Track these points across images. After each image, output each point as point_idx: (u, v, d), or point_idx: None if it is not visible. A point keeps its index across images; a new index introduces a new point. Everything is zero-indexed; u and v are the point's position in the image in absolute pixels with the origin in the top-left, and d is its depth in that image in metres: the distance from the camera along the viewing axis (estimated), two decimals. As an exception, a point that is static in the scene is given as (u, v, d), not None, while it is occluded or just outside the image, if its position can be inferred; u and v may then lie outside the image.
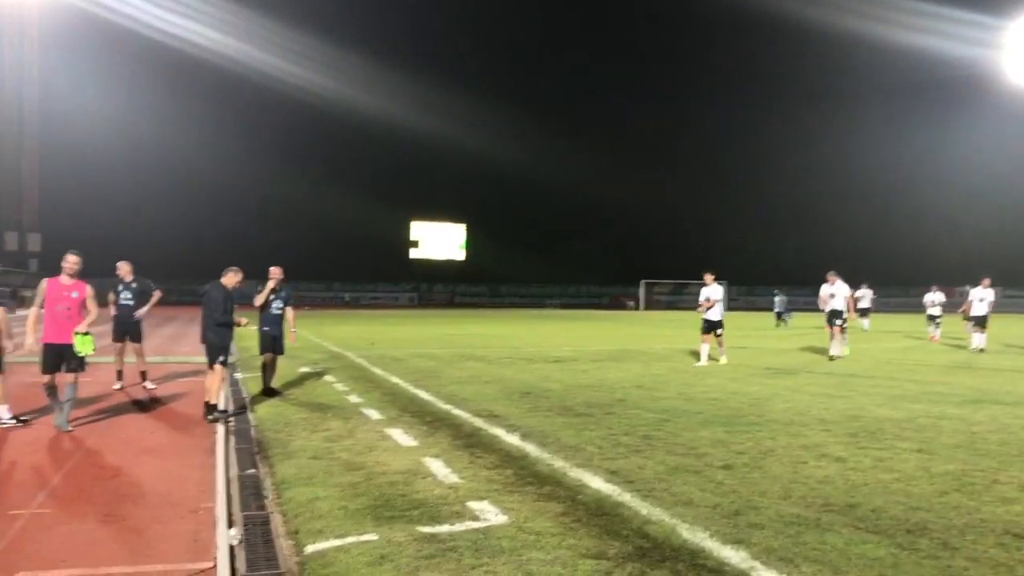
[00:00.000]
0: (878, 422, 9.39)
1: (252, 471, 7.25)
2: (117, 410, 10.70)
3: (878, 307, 37.39)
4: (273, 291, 12.03)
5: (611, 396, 11.62)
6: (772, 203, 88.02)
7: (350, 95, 78.39)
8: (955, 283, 49.49)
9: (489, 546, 4.87)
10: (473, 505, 5.74)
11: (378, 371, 15.11)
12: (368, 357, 18.11)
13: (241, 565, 4.83)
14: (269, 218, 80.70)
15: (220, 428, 9.23)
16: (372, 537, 5.07)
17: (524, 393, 11.89)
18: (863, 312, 32.57)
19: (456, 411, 10.09)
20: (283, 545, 5.13)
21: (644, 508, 5.64)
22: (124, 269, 13.44)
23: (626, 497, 5.92)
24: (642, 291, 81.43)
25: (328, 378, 13.91)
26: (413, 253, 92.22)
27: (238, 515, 5.85)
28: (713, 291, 16.97)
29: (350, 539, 5.06)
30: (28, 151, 69.05)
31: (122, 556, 4.93)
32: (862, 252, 75.71)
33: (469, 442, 8.06)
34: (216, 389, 10.07)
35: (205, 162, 76.19)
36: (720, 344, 17.22)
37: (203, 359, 18.06)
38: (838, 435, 8.54)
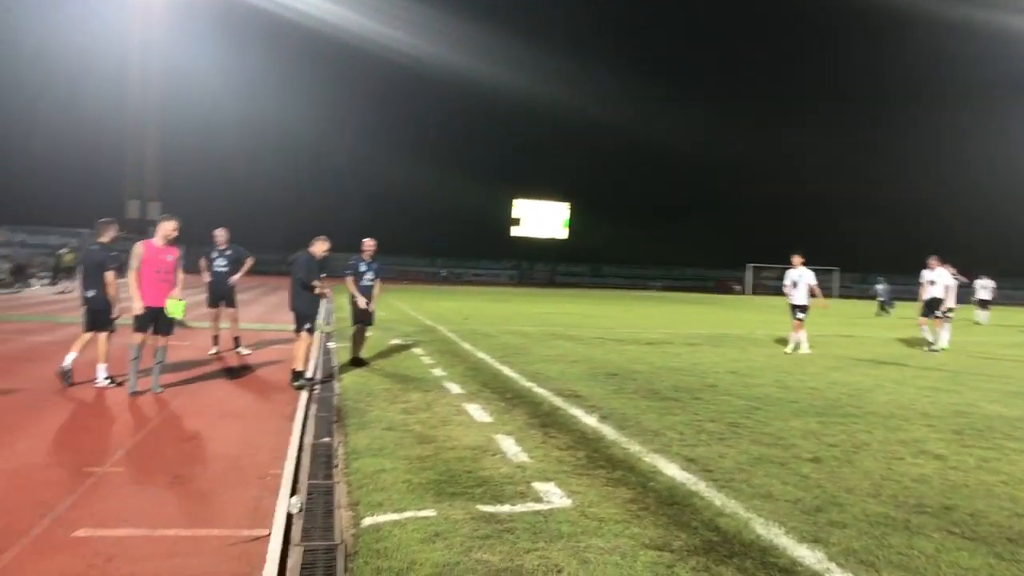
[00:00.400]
0: (987, 419, 8.73)
1: (326, 439, 7.24)
2: (208, 375, 10.93)
3: (1002, 299, 35.36)
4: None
5: (701, 381, 11.21)
6: (893, 191, 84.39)
7: (461, 71, 78.73)
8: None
9: (548, 530, 4.66)
10: (538, 486, 5.54)
11: (466, 346, 15.06)
12: (459, 332, 18.11)
13: (297, 534, 4.77)
14: (375, 193, 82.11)
15: (304, 395, 9.31)
16: (430, 513, 4.93)
17: (610, 374, 11.60)
18: (983, 304, 30.83)
19: (537, 389, 9.90)
20: (342, 516, 5.05)
21: (718, 499, 5.32)
22: (221, 236, 13.73)
23: (701, 487, 5.61)
24: (749, 275, 79.47)
25: (416, 351, 13.93)
26: (515, 231, 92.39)
27: (304, 483, 5.82)
28: (803, 274, 16.09)
29: (408, 513, 4.93)
30: (151, 124, 72.18)
31: (181, 519, 4.93)
32: (988, 240, 71.84)
33: (545, 421, 7.85)
34: (302, 356, 10.16)
35: (314, 136, 78.14)
36: (798, 329, 16.06)
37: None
38: (941, 431, 7.95)
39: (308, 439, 7.26)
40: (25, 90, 66.27)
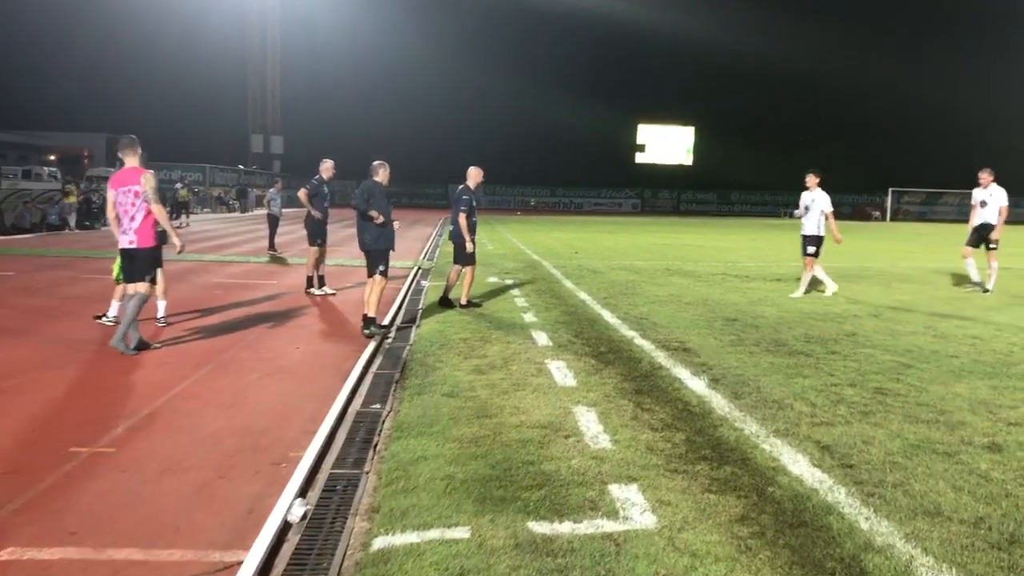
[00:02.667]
0: None
1: (376, 406, 6.08)
2: (277, 319, 9.98)
3: None
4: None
5: (838, 328, 9.48)
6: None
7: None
8: None
9: (615, 571, 3.30)
10: (616, 491, 4.17)
11: (568, 284, 13.67)
12: (565, 268, 16.72)
13: (284, 561, 3.59)
14: (495, 123, 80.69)
15: (371, 346, 8.20)
16: (462, 535, 3.65)
17: (729, 320, 10.00)
18: None
19: (639, 340, 8.45)
20: (354, 530, 3.84)
21: (864, 518, 3.82)
22: (329, 168, 12.70)
23: (839, 495, 4.11)
24: (889, 200, 74.34)
25: (513, 291, 12.66)
26: (639, 158, 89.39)
27: (326, 473, 4.67)
28: (817, 197, 12.66)
29: (433, 533, 3.67)
30: (271, 59, 72.80)
31: (142, 533, 3.82)
32: None
33: (640, 386, 6.42)
34: (375, 301, 9.03)
35: (433, 68, 77.06)
36: (809, 267, 12.76)
37: (402, 264, 17.61)
38: None
39: (355, 406, 6.13)
40: (146, 26, 67.65)
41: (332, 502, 4.26)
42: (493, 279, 14.41)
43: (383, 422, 5.61)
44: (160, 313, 9.39)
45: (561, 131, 79.79)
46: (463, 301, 10.95)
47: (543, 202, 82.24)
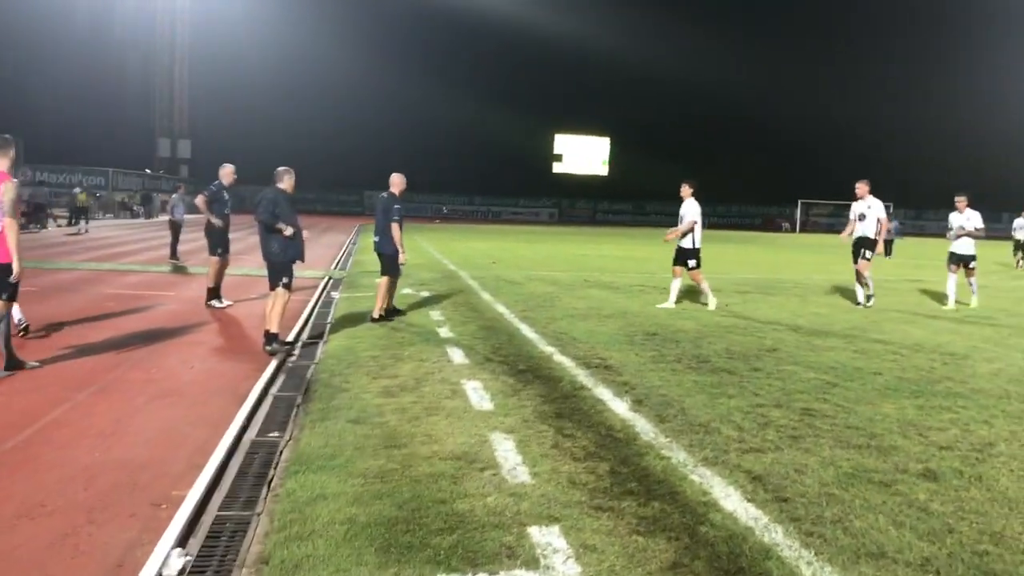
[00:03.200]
0: None
1: (275, 435, 5.55)
2: (173, 334, 9.28)
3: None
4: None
5: (759, 343, 9.32)
6: (944, 122, 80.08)
7: (501, 5, 75.69)
8: None
9: (537, 639, 2.90)
10: (536, 534, 3.76)
11: (486, 296, 13.27)
12: (482, 279, 16.31)
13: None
14: (412, 131, 79.88)
15: (273, 365, 7.64)
16: (360, 594, 3.20)
17: (649, 334, 9.75)
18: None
19: (559, 357, 8.09)
20: (235, 587, 3.35)
21: (805, 562, 3.51)
22: (229, 173, 12.05)
23: (777, 535, 3.79)
24: (798, 211, 76.38)
25: (429, 303, 12.18)
26: (556, 167, 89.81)
27: (212, 515, 4.15)
28: (687, 209, 12.53)
29: (326, 593, 3.20)
30: (179, 61, 70.57)
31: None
32: None
33: (561, 408, 6.05)
34: (278, 316, 8.46)
35: (347, 72, 75.81)
36: (697, 280, 12.62)
37: (311, 274, 16.94)
38: (1088, 424, 6.02)
39: (251, 434, 5.59)
40: (50, 25, 64.77)
41: (216, 552, 3.74)
42: (408, 291, 13.90)
43: (280, 453, 5.09)
44: (17, 316, 8.34)
45: (479, 139, 79.55)
46: (380, 312, 10.54)
47: (459, 211, 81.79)
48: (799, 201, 76.18)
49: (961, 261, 13.55)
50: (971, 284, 13.68)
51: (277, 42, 73.94)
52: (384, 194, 10.64)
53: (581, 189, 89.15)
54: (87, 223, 33.03)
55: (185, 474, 4.66)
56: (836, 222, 79.39)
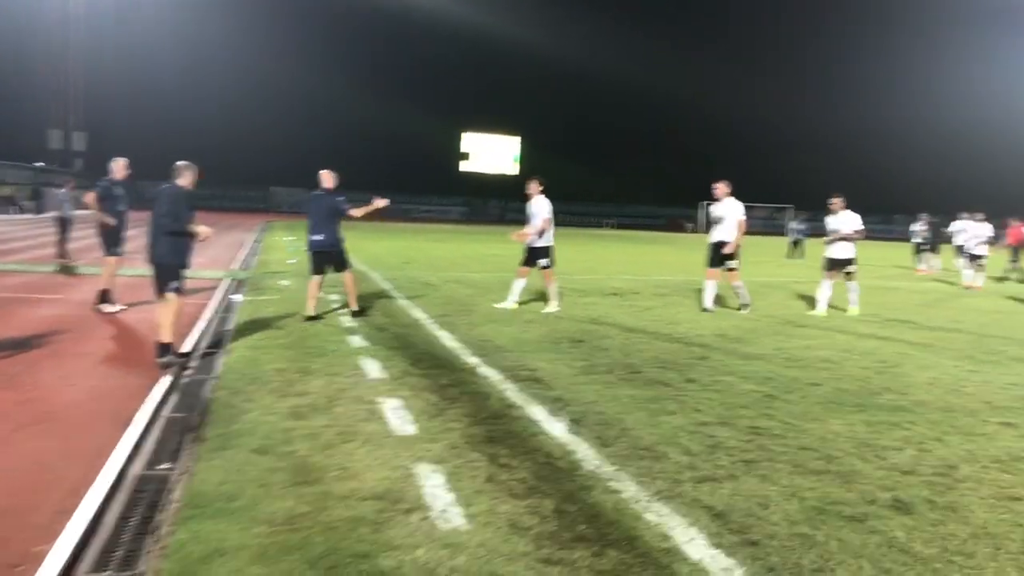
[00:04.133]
0: (1081, 414, 6.58)
1: (165, 467, 4.82)
2: (53, 345, 8.32)
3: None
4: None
5: (687, 350, 8.94)
6: (847, 126, 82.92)
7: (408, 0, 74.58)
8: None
9: None
10: (478, 598, 3.18)
11: (401, 301, 12.59)
12: (396, 280, 15.60)
13: None
14: (318, 126, 78.01)
15: (165, 381, 6.83)
16: None
17: (575, 341, 9.27)
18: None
19: (484, 369, 7.51)
20: None
21: (795, 626, 3.03)
22: (122, 167, 11.06)
23: (755, 590, 3.30)
24: (702, 212, 77.68)
25: (339, 308, 11.43)
26: (463, 166, 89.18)
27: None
28: (538, 207, 11.76)
29: None
30: (74, 48, 67.07)
31: None
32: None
33: (493, 432, 5.46)
34: (170, 324, 7.62)
35: (251, 66, 73.58)
36: (548, 281, 12.00)
37: (212, 274, 15.92)
38: (1038, 438, 5.78)
39: (136, 468, 4.83)
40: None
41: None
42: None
43: (170, 492, 4.37)
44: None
45: (387, 136, 78.26)
46: (355, 307, 10.75)
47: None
48: (703, 203, 77.45)
49: (837, 266, 12.68)
50: (850, 289, 12.85)
51: (178, 33, 71.15)
52: (319, 191, 10.58)
53: (492, 188, 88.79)
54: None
55: (51, 524, 3.91)
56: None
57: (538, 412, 5.98)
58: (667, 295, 14.92)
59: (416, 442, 5.18)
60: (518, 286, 12.06)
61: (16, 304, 11.00)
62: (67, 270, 15.49)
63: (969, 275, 19.45)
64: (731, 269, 12.37)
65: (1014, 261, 23.07)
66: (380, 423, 5.60)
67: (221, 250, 23.93)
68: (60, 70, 66.45)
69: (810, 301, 13.84)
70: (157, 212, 7.62)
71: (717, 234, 12.40)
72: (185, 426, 5.65)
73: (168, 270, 7.66)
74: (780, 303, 14.24)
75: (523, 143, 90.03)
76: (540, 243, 11.72)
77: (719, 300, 12.88)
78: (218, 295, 12.73)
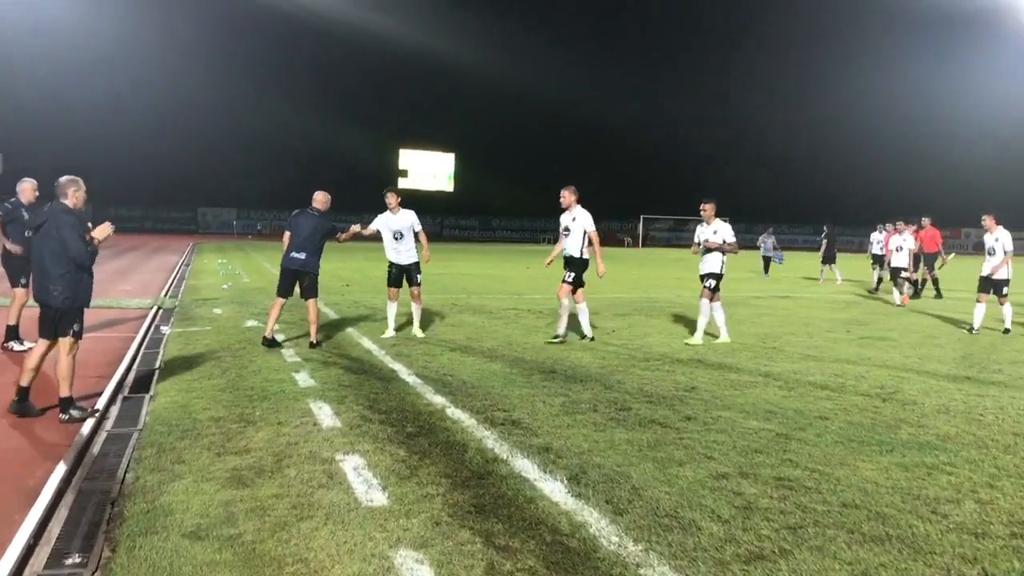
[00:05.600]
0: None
1: (73, 562, 3.80)
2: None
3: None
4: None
5: (672, 380, 8.14)
6: (775, 138, 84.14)
7: (337, 12, 73.16)
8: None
9: None
10: None
11: (348, 329, 11.57)
12: (338, 305, 14.56)
13: None
14: (251, 144, 76.00)
15: (80, 438, 5.73)
16: None
17: (547, 372, 8.40)
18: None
19: (453, 411, 6.58)
20: None
21: None
22: (29, 190, 9.82)
23: None
24: (641, 226, 77.90)
25: (279, 337, 10.36)
26: (402, 183, 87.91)
27: None
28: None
29: None
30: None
31: None
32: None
33: (480, 498, 4.53)
34: (68, 374, 6.41)
35: (179, 82, 71.37)
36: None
37: (138, 303, 14.64)
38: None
39: (37, 563, 3.81)
40: None
41: None
42: (252, 323, 12.01)
43: (78, 600, 3.36)
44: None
45: (322, 154, 76.47)
46: (315, 339, 9.89)
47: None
48: (641, 216, 77.69)
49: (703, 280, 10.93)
50: (714, 311, 10.90)
51: (98, 48, 68.52)
52: (310, 210, 10.16)
53: (428, 205, 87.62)
54: None
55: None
56: (673, 236, 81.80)
57: (527, 467, 5.07)
58: (628, 315, 14.18)
59: (390, 516, 4.23)
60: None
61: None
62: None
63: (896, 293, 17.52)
64: (568, 282, 10.57)
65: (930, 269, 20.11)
66: (342, 490, 4.64)
67: (148, 275, 22.52)
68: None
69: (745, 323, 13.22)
70: (45, 241, 6.38)
71: (565, 247, 10.70)
72: (101, 501, 4.61)
73: (67, 313, 6.45)
74: (750, 320, 13.60)
75: (458, 159, 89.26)
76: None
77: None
78: (144, 327, 11.52)
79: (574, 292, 10.65)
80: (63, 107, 67.73)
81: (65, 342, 6.42)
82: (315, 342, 9.80)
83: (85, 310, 6.64)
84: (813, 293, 20.59)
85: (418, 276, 11.05)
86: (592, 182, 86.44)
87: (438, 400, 6.97)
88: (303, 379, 7.84)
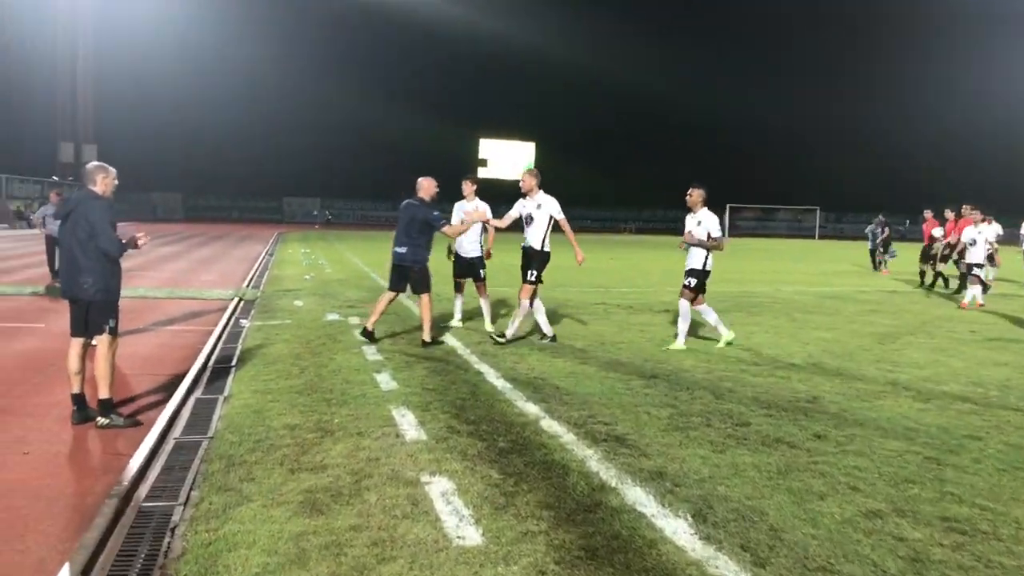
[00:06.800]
0: None
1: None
2: (16, 394, 6.79)
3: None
4: None
5: (789, 387, 7.32)
6: (868, 125, 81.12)
7: (420, 6, 73.22)
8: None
9: None
10: None
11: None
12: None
13: None
14: (334, 135, 76.77)
15: (144, 448, 5.25)
16: None
17: (648, 377, 7.66)
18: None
19: (549, 424, 5.90)
20: None
21: None
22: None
23: None
24: (728, 216, 75.94)
25: (358, 333, 9.87)
26: (482, 172, 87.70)
27: None
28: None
29: None
30: (83, 59, 66.13)
31: None
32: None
33: (592, 538, 3.83)
34: (107, 374, 5.95)
35: (265, 75, 72.54)
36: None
37: (219, 294, 14.42)
38: None
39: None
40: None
41: None
42: (333, 316, 11.59)
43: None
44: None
45: (404, 144, 76.82)
46: (427, 338, 9.17)
47: (382, 216, 78.90)
48: (727, 206, 75.73)
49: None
50: (703, 314, 9.61)
51: (190, 42, 70.11)
52: (412, 200, 9.55)
53: (507, 194, 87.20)
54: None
55: None
56: (759, 226, 79.65)
57: (642, 498, 4.37)
58: (726, 311, 13.20)
59: (485, 561, 3.58)
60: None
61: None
62: (56, 292, 13.99)
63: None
64: (531, 281, 9.39)
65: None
66: (429, 522, 4.01)
67: (232, 264, 22.51)
68: (70, 81, 65.51)
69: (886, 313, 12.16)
70: (75, 230, 5.89)
71: (527, 236, 9.56)
72: (160, 525, 4.10)
73: (100, 306, 5.99)
74: (862, 318, 12.57)
75: (538, 148, 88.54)
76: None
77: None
78: (224, 319, 11.19)
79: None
80: (154, 100, 69.46)
81: (101, 339, 5.98)
82: (426, 340, 9.17)
83: (118, 305, 6.18)
84: (913, 287, 19.22)
85: (481, 271, 10.45)
86: (674, 172, 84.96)
87: (531, 409, 6.31)
88: (385, 381, 7.28)
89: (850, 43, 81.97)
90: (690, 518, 4.08)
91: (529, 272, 9.36)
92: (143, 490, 4.59)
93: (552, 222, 9.48)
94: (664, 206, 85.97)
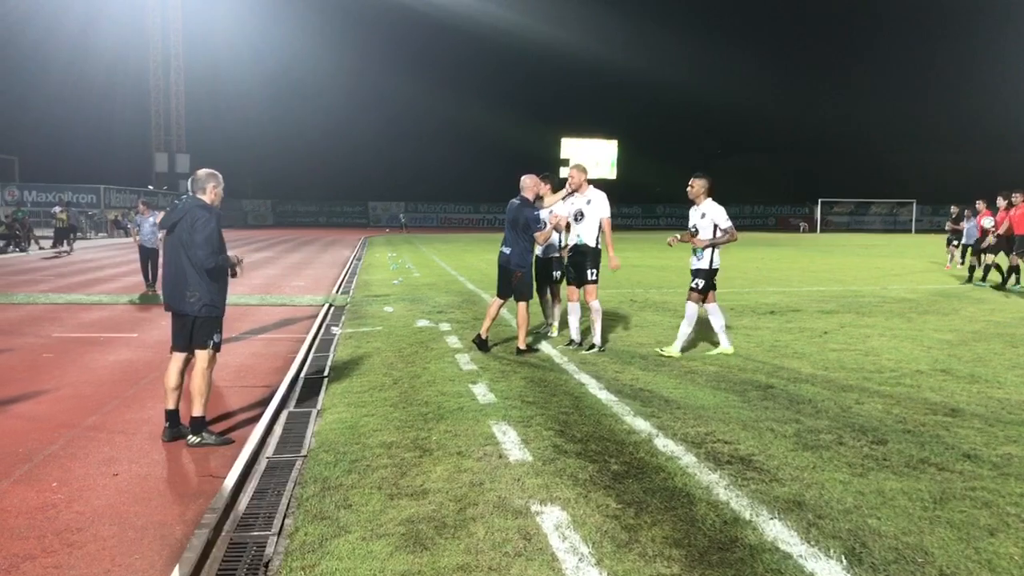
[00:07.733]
0: None
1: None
2: (107, 409, 6.66)
3: None
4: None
5: (921, 398, 6.66)
6: (957, 120, 77.71)
7: (500, 10, 73.24)
8: None
9: None
10: None
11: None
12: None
13: None
14: (416, 138, 77.39)
15: (235, 471, 4.98)
16: None
17: (762, 387, 7.10)
18: None
19: (663, 442, 5.42)
20: None
21: None
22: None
23: None
24: (819, 211, 73.65)
25: (452, 342, 9.56)
26: (563, 172, 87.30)
27: None
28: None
29: None
30: (175, 73, 68.17)
31: None
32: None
33: (730, 584, 3.39)
34: (203, 391, 5.72)
35: (351, 82, 73.58)
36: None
37: (311, 300, 14.33)
38: None
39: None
40: (38, 42, 62.63)
41: None
42: (424, 322, 11.30)
43: None
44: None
45: (488, 146, 77.05)
46: (522, 346, 8.79)
47: (466, 219, 79.15)
48: (819, 200, 73.50)
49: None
50: (710, 315, 8.89)
51: (276, 51, 71.68)
52: (516, 199, 8.98)
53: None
54: (71, 244, 30.54)
55: None
56: (852, 220, 77.02)
57: (782, 534, 3.87)
58: (835, 312, 12.51)
59: (614, 612, 3.15)
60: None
61: (83, 348, 9.49)
62: (152, 300, 14.12)
63: None
64: (593, 281, 8.88)
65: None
66: (545, 562, 3.59)
67: (322, 270, 22.59)
68: (163, 94, 67.62)
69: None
70: (182, 241, 5.63)
71: (575, 234, 9.04)
72: (254, 561, 3.79)
73: (206, 321, 5.75)
74: (979, 317, 11.68)
75: (620, 147, 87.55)
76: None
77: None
78: (315, 326, 11.03)
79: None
80: (242, 110, 71.10)
81: (203, 355, 5.74)
82: (521, 348, 8.76)
83: (222, 320, 5.93)
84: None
85: (556, 274, 9.86)
86: (759, 166, 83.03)
87: (641, 425, 5.84)
88: (482, 393, 6.91)
89: (944, 36, 78.62)
90: (843, 560, 3.56)
91: (590, 271, 8.88)
92: (235, 517, 4.31)
93: (602, 221, 9.01)
94: (749, 202, 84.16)
